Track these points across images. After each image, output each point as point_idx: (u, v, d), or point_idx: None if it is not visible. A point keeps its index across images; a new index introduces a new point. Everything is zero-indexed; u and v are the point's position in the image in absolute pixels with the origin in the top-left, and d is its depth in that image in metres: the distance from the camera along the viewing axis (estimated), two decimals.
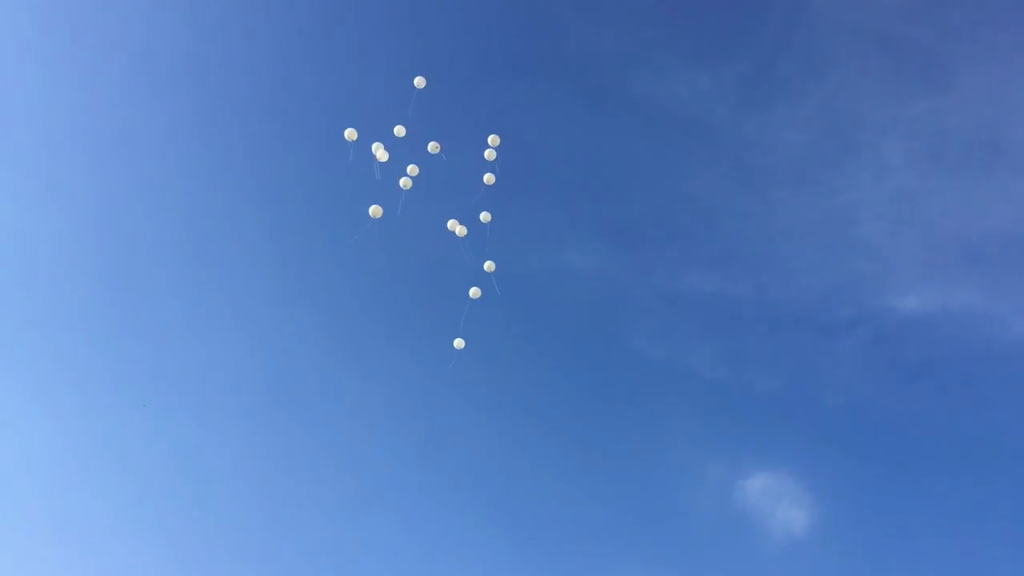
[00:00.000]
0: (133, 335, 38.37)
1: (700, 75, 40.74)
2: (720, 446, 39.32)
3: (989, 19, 37.56)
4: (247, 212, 37.89)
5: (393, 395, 39.51)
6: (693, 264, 40.51)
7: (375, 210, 21.34)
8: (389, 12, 38.42)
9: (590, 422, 40.48)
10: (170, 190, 38.21)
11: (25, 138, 37.22)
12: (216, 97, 38.34)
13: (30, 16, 36.41)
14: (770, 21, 39.59)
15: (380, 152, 21.31)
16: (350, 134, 21.12)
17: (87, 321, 38.07)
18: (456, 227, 22.24)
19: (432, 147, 21.89)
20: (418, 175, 22.02)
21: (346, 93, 37.22)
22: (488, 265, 22.89)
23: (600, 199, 41.67)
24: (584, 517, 38.21)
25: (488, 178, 22.62)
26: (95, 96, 37.45)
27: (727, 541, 37.30)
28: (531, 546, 37.52)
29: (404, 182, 21.82)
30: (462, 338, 23.22)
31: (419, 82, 22.01)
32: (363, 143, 21.72)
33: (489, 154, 22.48)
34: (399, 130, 21.72)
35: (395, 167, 22.09)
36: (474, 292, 23.16)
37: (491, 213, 23.34)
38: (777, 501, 37.42)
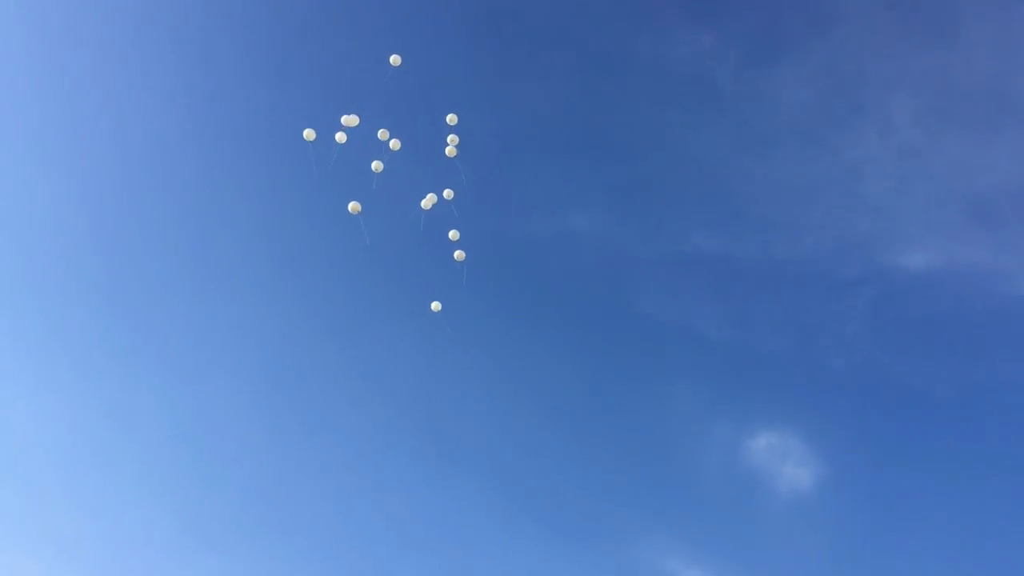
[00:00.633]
0: (138, 312, 38.54)
1: (703, 33, 40.25)
2: (726, 406, 39.49)
3: None
4: (244, 197, 37.78)
5: (396, 362, 39.66)
6: (698, 225, 40.39)
7: (354, 206, 21.48)
8: None
9: (596, 384, 40.65)
10: (168, 172, 38.14)
11: (21, 116, 37.09)
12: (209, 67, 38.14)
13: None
14: None
15: (312, 132, 21.38)
16: (308, 134, 21.26)
17: (93, 296, 38.21)
18: (427, 201, 22.13)
19: (388, 140, 21.88)
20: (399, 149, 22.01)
21: (342, 66, 36.94)
22: (458, 255, 22.87)
23: (603, 161, 41.46)
24: (591, 477, 38.50)
25: (447, 194, 22.60)
26: (94, 78, 37.26)
27: (734, 499, 37.58)
28: (539, 507, 37.84)
29: (376, 165, 21.86)
30: (439, 302, 23.22)
31: (395, 60, 22.00)
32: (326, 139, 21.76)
33: (450, 152, 22.42)
34: (391, 141, 21.78)
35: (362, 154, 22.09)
36: (458, 255, 23.10)
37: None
38: (783, 460, 37.64)
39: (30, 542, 34.38)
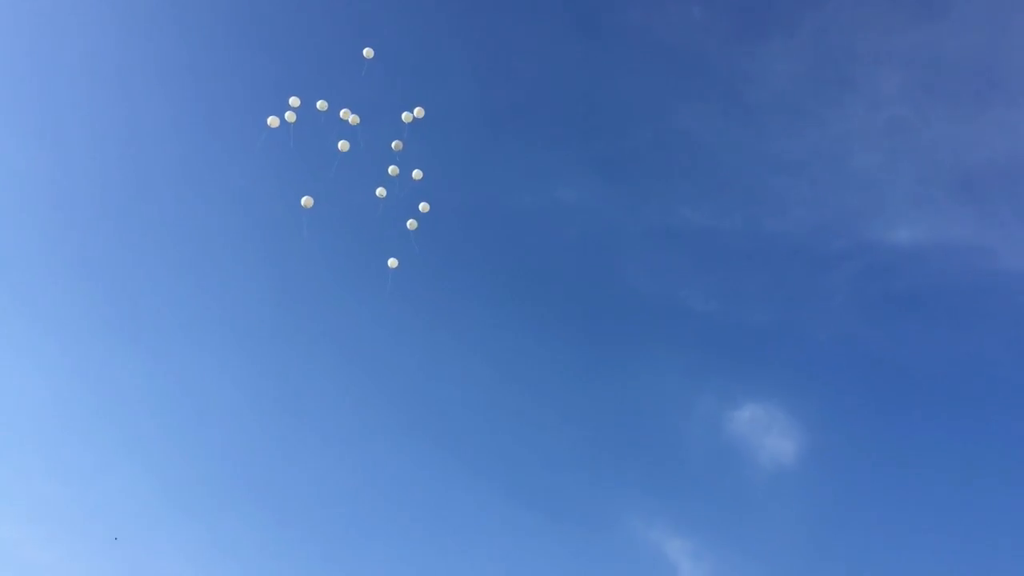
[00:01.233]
0: (119, 285, 38.44)
1: (692, 5, 39.98)
2: (711, 378, 39.80)
3: None
4: (226, 175, 37.52)
5: (382, 338, 39.75)
6: (685, 198, 40.44)
7: (306, 201, 21.55)
8: None
9: (581, 356, 40.88)
10: (152, 148, 37.87)
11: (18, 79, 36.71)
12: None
13: None
14: None
15: (276, 119, 21.42)
16: (272, 121, 21.28)
17: (74, 270, 38.06)
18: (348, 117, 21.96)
19: (349, 117, 21.89)
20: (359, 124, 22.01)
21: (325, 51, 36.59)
22: (411, 223, 22.82)
23: (590, 134, 41.35)
24: (575, 449, 38.85)
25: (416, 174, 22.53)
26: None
27: (717, 470, 38.02)
28: (523, 479, 38.20)
29: (342, 145, 21.86)
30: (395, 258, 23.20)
31: (367, 53, 21.97)
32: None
33: (392, 172, 22.38)
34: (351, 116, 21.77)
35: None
36: (411, 224, 23.04)
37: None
38: (766, 431, 38.06)
39: (15, 513, 34.57)
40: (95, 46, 36.98)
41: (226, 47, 37.67)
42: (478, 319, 40.26)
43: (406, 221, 22.35)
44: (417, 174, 22.71)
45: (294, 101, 21.49)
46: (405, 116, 22.29)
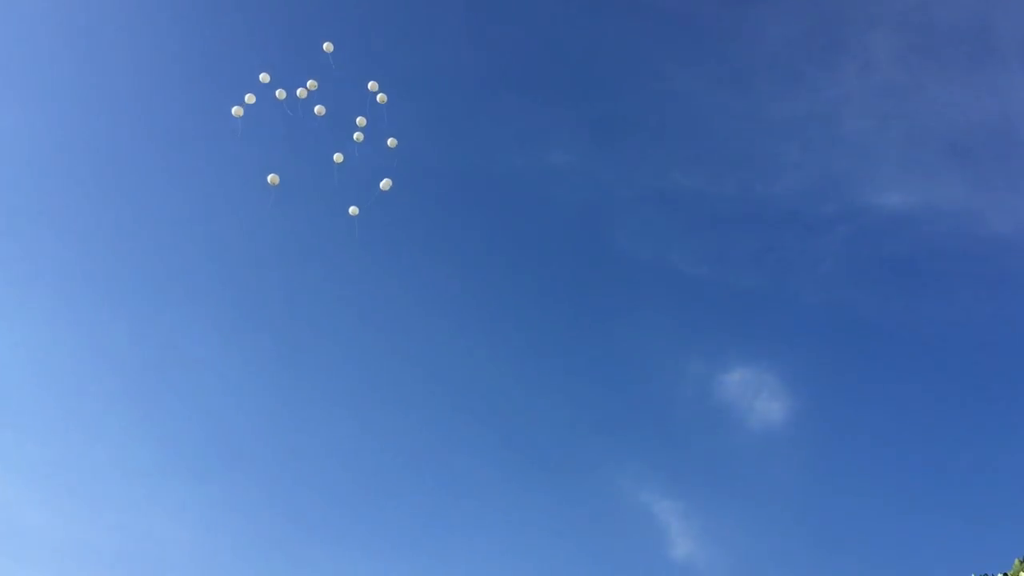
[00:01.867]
0: (113, 238, 38.29)
1: None
2: (701, 342, 40.05)
3: None
4: (222, 130, 37.33)
5: (378, 293, 39.76)
6: (677, 162, 40.44)
7: (272, 178, 21.58)
8: None
9: (573, 319, 41.08)
10: (145, 108, 37.56)
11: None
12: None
13: None
14: None
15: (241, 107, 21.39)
16: (237, 111, 21.27)
17: (68, 224, 37.90)
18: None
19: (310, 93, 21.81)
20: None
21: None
22: (352, 209, 22.59)
23: (584, 96, 41.21)
24: (567, 410, 39.16)
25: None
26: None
27: (706, 432, 38.40)
28: (516, 438, 38.51)
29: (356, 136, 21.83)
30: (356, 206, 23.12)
31: (327, 47, 21.92)
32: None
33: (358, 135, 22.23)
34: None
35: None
36: (385, 183, 22.91)
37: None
38: (756, 394, 38.40)
39: (10, 475, 34.72)
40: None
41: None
42: (468, 283, 40.34)
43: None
44: (392, 142, 22.54)
45: (264, 77, 21.38)
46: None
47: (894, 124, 37.99)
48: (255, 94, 21.27)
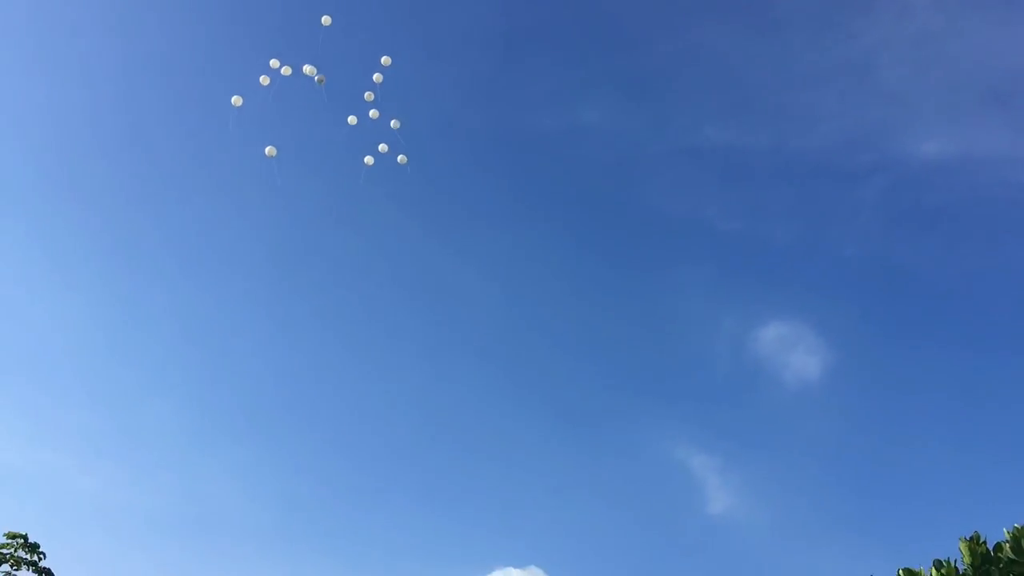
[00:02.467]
0: (150, 211, 39.07)
1: None
2: (735, 297, 39.87)
3: None
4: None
5: (409, 254, 40.10)
6: (709, 116, 39.90)
7: (270, 150, 21.78)
8: None
9: (607, 277, 41.10)
10: (185, 75, 37.91)
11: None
12: None
13: None
14: None
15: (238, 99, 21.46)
16: (236, 100, 21.39)
17: (107, 195, 38.72)
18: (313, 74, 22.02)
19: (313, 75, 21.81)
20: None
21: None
22: (368, 159, 22.74)
23: (613, 51, 40.72)
24: (602, 367, 39.38)
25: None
26: None
27: (742, 388, 38.42)
28: (551, 396, 38.89)
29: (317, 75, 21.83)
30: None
31: (325, 20, 21.75)
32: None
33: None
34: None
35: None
36: (382, 150, 22.98)
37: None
38: (792, 349, 38.23)
39: (57, 441, 36.07)
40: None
41: None
42: (501, 244, 40.48)
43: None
44: (402, 159, 22.74)
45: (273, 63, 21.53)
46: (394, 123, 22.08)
47: (932, 71, 37.04)
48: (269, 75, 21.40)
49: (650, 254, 39.62)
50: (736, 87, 37.96)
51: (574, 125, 38.62)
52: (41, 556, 15.72)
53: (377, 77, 22.47)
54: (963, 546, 10.33)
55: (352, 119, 22.57)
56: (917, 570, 14.71)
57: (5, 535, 15.58)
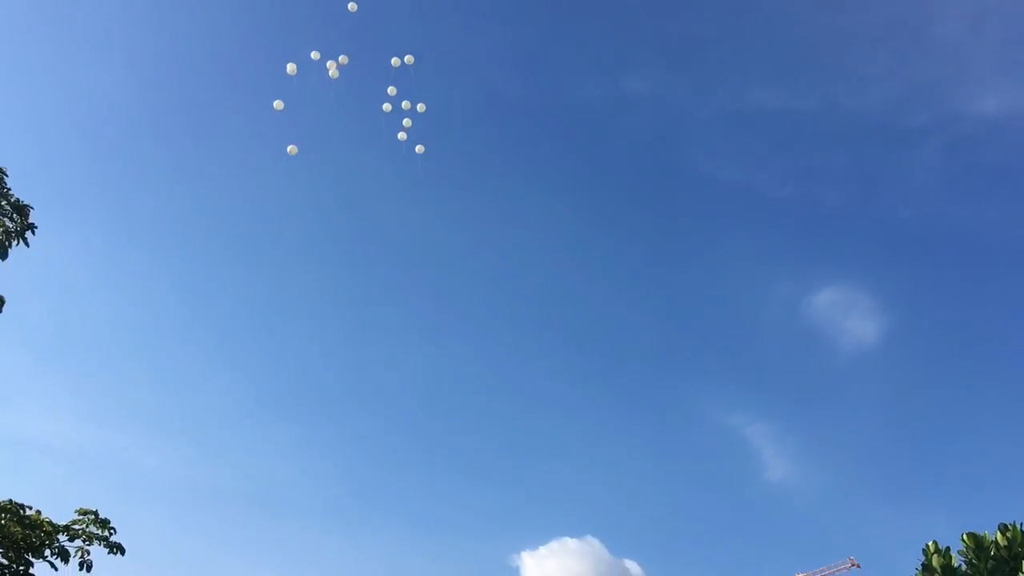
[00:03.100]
0: (208, 196, 39.71)
1: None
2: (787, 263, 39.37)
3: None
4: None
5: (453, 228, 40.23)
6: (756, 80, 39.15)
7: (291, 149, 22.31)
8: None
9: (657, 247, 40.84)
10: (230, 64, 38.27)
11: None
12: None
13: None
14: None
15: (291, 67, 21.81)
16: (291, 68, 21.73)
17: (163, 181, 39.48)
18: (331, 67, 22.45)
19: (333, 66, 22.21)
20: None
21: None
22: (402, 133, 23.33)
23: (655, 17, 40.07)
24: (654, 336, 39.28)
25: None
26: None
27: (796, 354, 38.00)
28: (605, 365, 38.96)
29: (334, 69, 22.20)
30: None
31: (351, 7, 21.99)
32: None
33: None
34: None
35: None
36: (419, 149, 23.70)
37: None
38: (847, 314, 37.69)
39: (122, 421, 37.17)
40: None
41: None
42: (550, 214, 40.44)
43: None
44: (420, 148, 23.31)
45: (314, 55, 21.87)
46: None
47: (988, 23, 36.00)
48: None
49: (701, 222, 39.38)
50: (783, 49, 37.33)
51: (617, 94, 38.36)
52: (112, 531, 16.16)
53: (407, 59, 22.77)
54: None
55: (387, 106, 23.23)
56: (982, 534, 14.47)
57: (76, 511, 16.05)
